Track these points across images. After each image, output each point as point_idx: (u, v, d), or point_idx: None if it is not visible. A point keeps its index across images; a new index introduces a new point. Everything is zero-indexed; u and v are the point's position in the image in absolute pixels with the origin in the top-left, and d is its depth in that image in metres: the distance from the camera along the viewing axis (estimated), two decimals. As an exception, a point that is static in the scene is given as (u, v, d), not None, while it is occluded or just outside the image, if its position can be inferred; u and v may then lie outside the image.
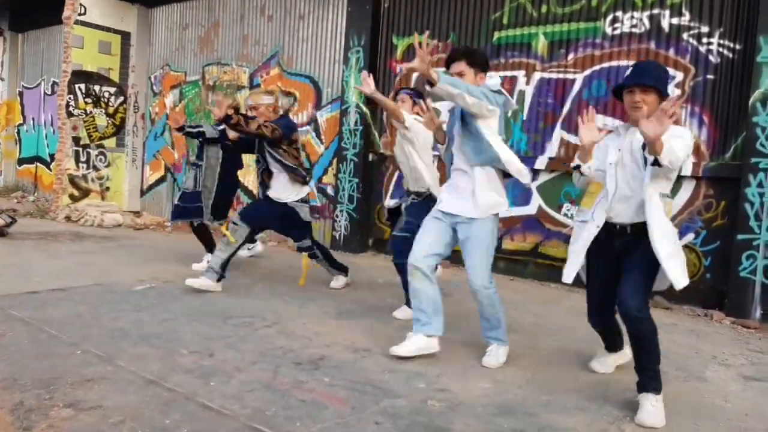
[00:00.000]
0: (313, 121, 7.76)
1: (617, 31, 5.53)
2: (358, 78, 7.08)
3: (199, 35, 9.22)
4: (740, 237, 4.74)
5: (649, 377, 2.74)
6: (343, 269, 5.25)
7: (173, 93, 9.60)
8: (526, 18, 6.04)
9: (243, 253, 6.18)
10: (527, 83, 6.03)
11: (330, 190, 7.57)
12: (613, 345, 3.37)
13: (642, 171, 2.78)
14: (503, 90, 3.32)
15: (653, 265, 2.73)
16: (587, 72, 5.69)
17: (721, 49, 5.04)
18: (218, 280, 4.64)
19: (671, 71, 5.26)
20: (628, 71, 2.89)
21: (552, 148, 5.88)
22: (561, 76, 5.84)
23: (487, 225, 3.27)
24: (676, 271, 2.69)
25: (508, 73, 6.15)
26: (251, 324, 3.86)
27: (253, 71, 8.47)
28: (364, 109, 7.06)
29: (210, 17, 9.03)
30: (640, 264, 2.77)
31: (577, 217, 3.06)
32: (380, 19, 7.08)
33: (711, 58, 5.08)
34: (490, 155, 3.21)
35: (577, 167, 2.96)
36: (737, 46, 4.95)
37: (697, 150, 5.13)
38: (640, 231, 2.78)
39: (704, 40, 5.11)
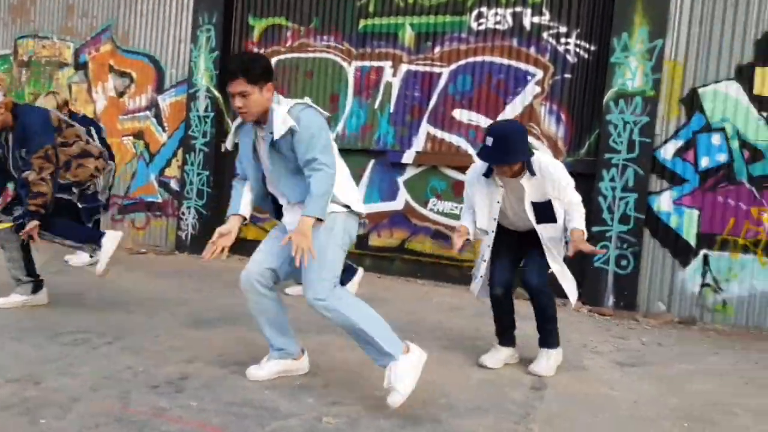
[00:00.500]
0: (153, 105, 6.89)
1: (482, 27, 5.55)
2: (209, 59, 6.41)
3: (11, 2, 7.79)
4: (594, 229, 4.96)
5: (546, 337, 3.26)
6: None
7: (-25, 67, 8.01)
8: (393, 7, 5.85)
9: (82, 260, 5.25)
10: (394, 75, 5.85)
11: (174, 184, 6.77)
12: (509, 338, 3.34)
13: (526, 214, 3.15)
14: (310, 103, 2.73)
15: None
16: (453, 66, 5.65)
17: (577, 49, 5.26)
18: (34, 291, 3.78)
19: (531, 69, 5.40)
20: (490, 141, 2.95)
21: (419, 142, 5.76)
22: (428, 69, 5.74)
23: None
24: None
25: (375, 64, 5.92)
26: (87, 341, 3.15)
27: (80, 47, 7.33)
28: (216, 93, 6.40)
29: (23, -20, 7.67)
30: (538, 246, 3.20)
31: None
32: (234, -4, 6.47)
33: (569, 57, 5.28)
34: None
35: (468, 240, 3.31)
36: (592, 47, 5.20)
37: (554, 146, 5.30)
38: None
39: (562, 40, 5.30)
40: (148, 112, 6.90)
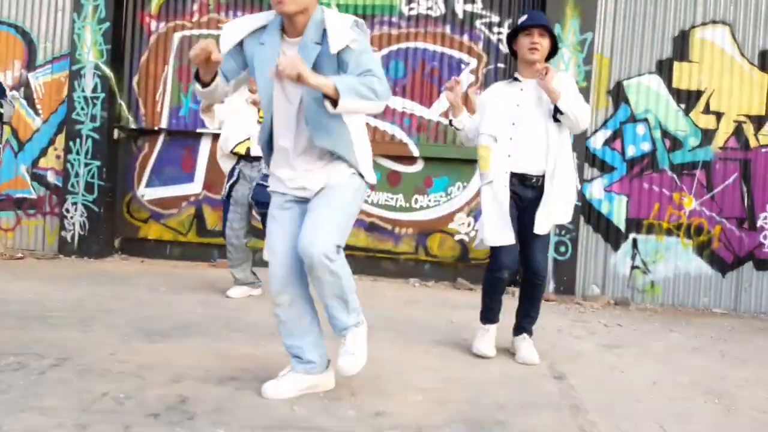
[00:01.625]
0: (22, 85, 5.77)
1: (414, 12, 5.38)
2: (97, 31, 5.52)
3: None
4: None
5: (531, 323, 3.17)
6: None
7: None
8: (317, -15, 5.46)
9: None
10: (320, 57, 5.46)
11: (52, 177, 5.73)
12: (496, 316, 3.19)
13: (546, 121, 2.95)
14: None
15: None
16: (384, 51, 5.41)
17: (510, 40, 5.29)
18: None
19: (465, 57, 5.34)
20: (522, 18, 3.05)
21: (350, 130, 5.43)
22: (357, 52, 5.43)
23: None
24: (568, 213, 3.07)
25: (298, 45, 5.48)
26: (25, 365, 2.44)
27: None
28: (107, 71, 5.52)
29: None
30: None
31: (481, 181, 3.09)
32: (127, -39, 5.63)
33: (501, 47, 5.29)
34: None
35: (450, 122, 3.19)
36: (524, 39, 5.26)
37: (489, 136, 5.29)
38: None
39: (495, 29, 5.31)
40: (16, 93, 5.76)
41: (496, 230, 2.95)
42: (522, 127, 2.98)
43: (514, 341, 3.16)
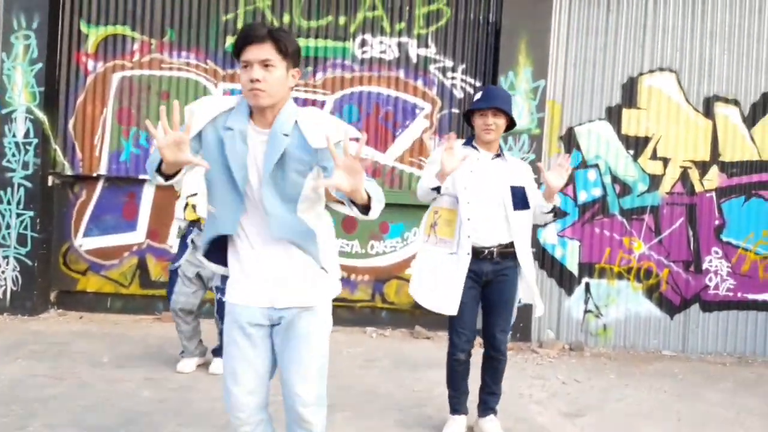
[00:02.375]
0: (-57, 127, 5.34)
1: (367, 55, 5.28)
2: (29, 72, 5.16)
3: None
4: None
5: (495, 400, 3.12)
6: None
7: None
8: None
9: None
10: (270, 100, 5.28)
11: (-20, 227, 5.32)
12: (464, 404, 3.13)
13: (502, 195, 2.92)
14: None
15: (515, 297, 3.05)
16: (338, 95, 5.29)
17: (464, 85, 5.27)
18: None
19: (420, 102, 5.29)
20: (478, 95, 3.03)
21: (303, 176, 5.28)
22: (310, 96, 5.29)
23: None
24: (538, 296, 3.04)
25: (247, 87, 5.29)
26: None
27: None
28: (40, 115, 5.16)
29: None
30: (510, 296, 3.01)
31: (436, 245, 2.97)
32: (60, -3, 5.28)
33: (455, 92, 5.27)
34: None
35: (437, 188, 2.85)
36: (478, 83, 5.25)
37: (444, 180, 5.26)
38: (506, 253, 2.95)
39: (449, 74, 5.28)
40: (-66, 136, 5.32)
41: (441, 299, 2.88)
42: (476, 196, 2.90)
43: (479, 423, 3.11)
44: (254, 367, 2.03)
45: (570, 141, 5.15)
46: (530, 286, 3.00)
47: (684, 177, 5.13)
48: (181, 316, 3.82)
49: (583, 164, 5.15)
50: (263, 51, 1.86)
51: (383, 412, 3.37)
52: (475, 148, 3.01)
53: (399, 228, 5.32)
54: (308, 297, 2.02)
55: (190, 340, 3.92)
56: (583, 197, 5.15)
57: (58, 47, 5.28)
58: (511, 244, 2.94)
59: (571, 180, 5.14)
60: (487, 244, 2.90)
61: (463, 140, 3.13)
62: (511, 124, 3.03)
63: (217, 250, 2.07)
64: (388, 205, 5.25)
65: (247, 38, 1.88)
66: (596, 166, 5.14)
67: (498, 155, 3.00)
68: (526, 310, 5.01)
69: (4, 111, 5.17)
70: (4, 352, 4.09)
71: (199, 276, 3.82)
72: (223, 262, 2.09)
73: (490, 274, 2.94)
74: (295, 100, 5.20)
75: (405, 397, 3.67)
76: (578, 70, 5.13)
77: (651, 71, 5.12)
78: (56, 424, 2.96)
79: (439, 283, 2.90)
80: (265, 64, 1.86)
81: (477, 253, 2.88)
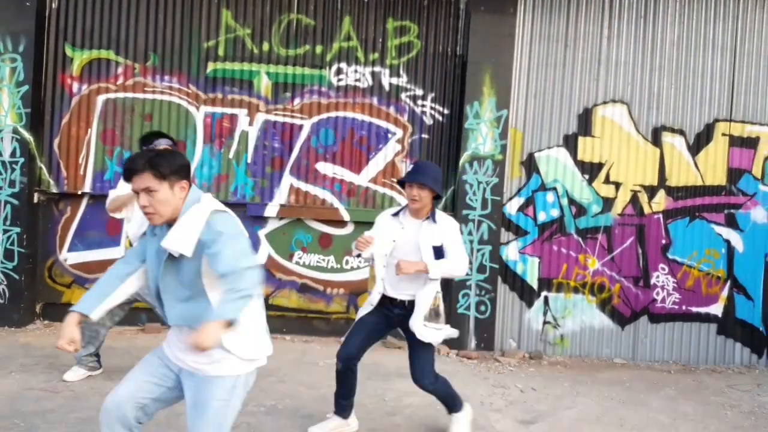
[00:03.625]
0: (-71, 145, 5.49)
1: (342, 83, 5.61)
2: (15, 94, 5.35)
3: None
4: (457, 279, 5.40)
5: (451, 403, 3.54)
6: None
7: None
8: (246, 53, 5.57)
9: None
10: (250, 124, 5.57)
11: (-34, 242, 5.49)
12: (343, 406, 3.55)
13: (422, 254, 3.32)
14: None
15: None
16: (314, 119, 5.60)
17: (433, 112, 5.64)
18: None
19: (392, 127, 5.64)
20: (410, 168, 3.57)
21: (282, 195, 5.59)
22: (288, 120, 5.59)
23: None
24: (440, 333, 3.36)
25: (228, 110, 5.57)
26: None
27: None
28: (26, 135, 5.36)
29: None
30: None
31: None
32: (45, 22, 5.47)
33: (425, 119, 5.63)
34: None
35: (358, 255, 3.37)
36: (446, 111, 5.63)
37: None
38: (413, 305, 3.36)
39: (419, 102, 5.64)
40: None
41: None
42: (394, 259, 3.33)
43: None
44: (147, 379, 2.37)
45: (530, 166, 5.56)
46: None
47: (634, 200, 5.59)
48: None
49: (542, 187, 5.56)
50: (144, 180, 2.21)
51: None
52: (404, 214, 3.45)
53: (372, 245, 5.65)
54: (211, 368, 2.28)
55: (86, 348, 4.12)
56: (542, 217, 5.57)
57: (43, 70, 5.48)
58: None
59: (531, 201, 5.56)
60: (399, 297, 3.40)
61: (397, 209, 3.55)
62: (437, 196, 3.38)
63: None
64: (361, 223, 5.59)
65: (128, 171, 2.25)
66: (554, 189, 5.56)
67: (428, 217, 3.37)
68: (489, 322, 5.44)
69: (-10, 131, 5.36)
70: (-3, 367, 4.31)
71: None
72: None
73: (398, 315, 3.42)
74: (273, 124, 5.57)
75: (376, 407, 4.01)
76: (538, 101, 5.54)
77: (605, 102, 5.56)
78: (57, 436, 3.22)
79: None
80: (148, 191, 2.22)
81: (392, 301, 3.41)
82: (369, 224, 5.50)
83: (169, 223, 2.27)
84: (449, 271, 3.32)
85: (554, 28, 5.50)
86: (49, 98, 5.53)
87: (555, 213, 5.57)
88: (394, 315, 3.42)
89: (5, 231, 5.38)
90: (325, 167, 5.61)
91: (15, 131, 5.36)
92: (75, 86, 5.56)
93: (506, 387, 4.60)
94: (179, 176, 2.26)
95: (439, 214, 3.42)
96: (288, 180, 5.61)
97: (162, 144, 3.99)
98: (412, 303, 3.36)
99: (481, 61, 5.41)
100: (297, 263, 5.63)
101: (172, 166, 2.24)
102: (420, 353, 3.37)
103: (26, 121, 5.36)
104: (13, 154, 5.37)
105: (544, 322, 5.59)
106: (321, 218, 5.59)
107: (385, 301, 3.41)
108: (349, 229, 5.63)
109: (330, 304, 5.66)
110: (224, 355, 2.24)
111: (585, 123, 5.56)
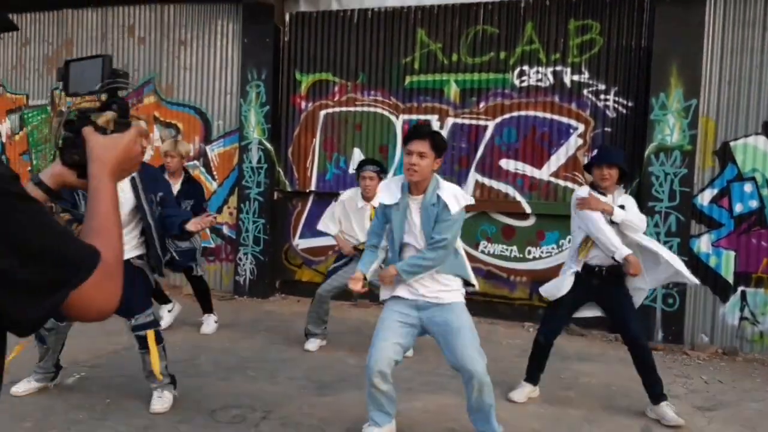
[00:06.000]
0: (201, 155, 7.19)
1: (524, 84, 6.02)
2: (260, 113, 6.75)
3: (45, 53, 7.96)
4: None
5: (660, 386, 3.75)
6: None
7: (10, 118, 8.17)
8: (437, 65, 6.28)
9: (165, 318, 5.50)
10: (441, 127, 6.27)
11: (226, 230, 7.09)
12: (535, 375, 4.05)
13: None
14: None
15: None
16: (498, 120, 6.10)
17: (616, 105, 5.76)
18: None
19: (573, 123, 5.89)
20: (596, 152, 4.00)
21: (468, 190, 6.20)
22: (473, 122, 6.18)
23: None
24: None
25: (422, 117, 6.34)
26: (244, 418, 3.51)
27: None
28: (268, 145, 6.74)
29: (60, 33, 7.85)
30: (628, 296, 3.85)
31: (570, 264, 3.98)
32: (280, 53, 6.80)
33: (608, 113, 5.78)
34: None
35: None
36: (630, 104, 5.71)
37: (598, 193, 5.80)
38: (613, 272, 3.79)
39: (602, 96, 5.80)
40: (196, 162, 7.19)
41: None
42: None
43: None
44: (394, 330, 3.23)
45: (725, 155, 5.38)
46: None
47: None
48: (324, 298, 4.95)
49: (739, 177, 5.35)
50: (421, 145, 2.97)
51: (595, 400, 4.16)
52: (603, 193, 3.83)
53: (554, 236, 5.99)
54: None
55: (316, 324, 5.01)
56: (738, 209, 5.36)
57: (279, 92, 6.82)
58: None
59: (726, 192, 5.39)
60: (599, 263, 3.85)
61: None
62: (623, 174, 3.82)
63: None
64: (542, 215, 5.97)
65: (413, 134, 3.00)
66: (752, 178, 5.31)
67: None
68: (677, 316, 5.42)
69: (243, 143, 6.85)
70: (250, 326, 5.61)
71: None
72: None
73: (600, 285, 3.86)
74: (461, 126, 6.17)
75: (551, 382, 4.41)
76: (733, 88, 5.34)
77: (814, 84, 5.15)
78: (294, 377, 4.24)
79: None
80: (421, 155, 2.94)
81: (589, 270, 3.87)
82: (550, 216, 5.96)
83: (412, 192, 3.07)
84: (629, 219, 3.71)
85: (750, 13, 5.25)
86: (284, 115, 6.85)
87: (754, 204, 5.32)
88: (592, 286, 3.83)
89: (254, 222, 6.83)
90: (507, 163, 6.09)
91: (260, 143, 6.77)
92: (303, 104, 6.81)
93: (689, 377, 4.64)
94: (440, 155, 3.05)
95: (616, 193, 3.85)
96: (474, 176, 6.19)
97: (368, 170, 4.83)
98: (609, 270, 3.77)
99: (667, 52, 5.39)
100: (482, 252, 6.20)
101: (442, 145, 3.04)
102: (630, 310, 3.80)
103: (268, 134, 6.73)
104: (259, 161, 6.79)
105: (741, 318, 5.38)
106: (504, 211, 6.08)
107: (581, 277, 3.83)
108: (531, 221, 6.03)
109: (513, 291, 6.12)
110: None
111: (789, 108, 5.21)
